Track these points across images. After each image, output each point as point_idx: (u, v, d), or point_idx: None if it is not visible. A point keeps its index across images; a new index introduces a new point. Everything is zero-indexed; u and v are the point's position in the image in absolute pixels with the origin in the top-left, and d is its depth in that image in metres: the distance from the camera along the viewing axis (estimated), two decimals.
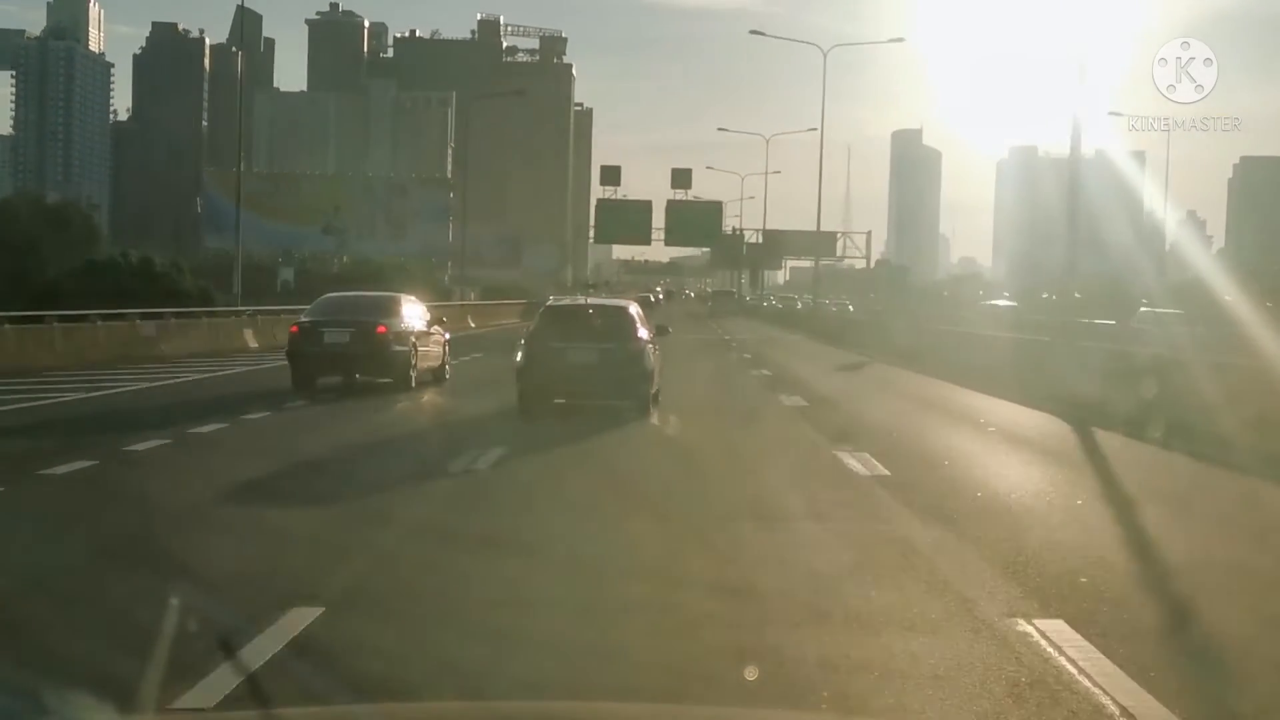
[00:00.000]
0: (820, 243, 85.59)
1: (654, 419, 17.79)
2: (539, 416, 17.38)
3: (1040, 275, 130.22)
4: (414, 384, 21.98)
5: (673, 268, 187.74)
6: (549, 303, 22.06)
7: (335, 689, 5.26)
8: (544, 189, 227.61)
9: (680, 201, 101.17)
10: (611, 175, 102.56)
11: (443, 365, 24.27)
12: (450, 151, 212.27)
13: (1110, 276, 64.45)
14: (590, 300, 21.02)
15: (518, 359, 18.51)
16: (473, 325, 57.89)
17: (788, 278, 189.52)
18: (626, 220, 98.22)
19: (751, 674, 5.79)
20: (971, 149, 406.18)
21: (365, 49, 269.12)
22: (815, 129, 62.71)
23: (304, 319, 22.45)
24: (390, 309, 22.77)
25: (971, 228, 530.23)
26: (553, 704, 4.30)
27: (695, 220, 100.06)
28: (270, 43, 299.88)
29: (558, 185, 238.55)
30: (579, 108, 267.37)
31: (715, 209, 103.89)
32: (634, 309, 19.40)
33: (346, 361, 21.82)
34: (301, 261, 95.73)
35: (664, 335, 21.01)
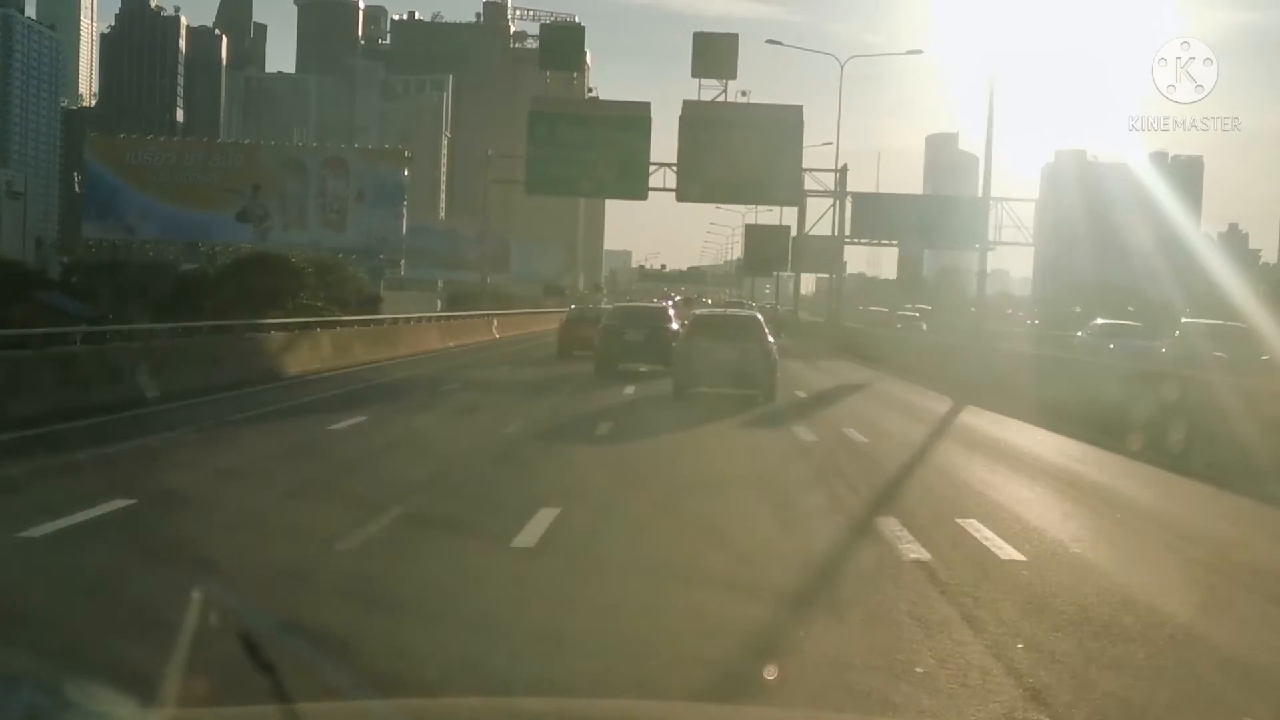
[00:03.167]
0: (970, 217, 57.26)
1: (777, 401, 22.32)
2: (691, 399, 22.08)
3: (1082, 286, 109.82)
4: None
5: (694, 275, 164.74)
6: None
7: None
8: None
9: (711, 106, 55.32)
10: (560, 52, 59.53)
11: None
12: (445, 140, 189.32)
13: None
14: (729, 311, 33.94)
15: (674, 355, 24.52)
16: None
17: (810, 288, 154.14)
18: (591, 147, 53.84)
19: (771, 673, 6.01)
20: (1013, 153, 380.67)
21: (360, 33, 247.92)
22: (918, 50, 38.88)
23: (606, 322, 30.58)
24: (667, 316, 30.52)
25: (1005, 236, 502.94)
26: (570, 701, 4.62)
27: (745, 142, 53.78)
28: (261, 29, 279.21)
29: None
30: (592, 95, 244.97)
31: (790, 119, 55.88)
32: (760, 317, 25.99)
33: (639, 353, 28.49)
34: (211, 257, 72.73)
35: (778, 338, 27.09)
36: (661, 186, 56.82)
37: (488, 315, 54.35)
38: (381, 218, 79.08)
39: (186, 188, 77.76)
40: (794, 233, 65.30)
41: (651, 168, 56.13)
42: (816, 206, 61.37)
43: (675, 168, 55.94)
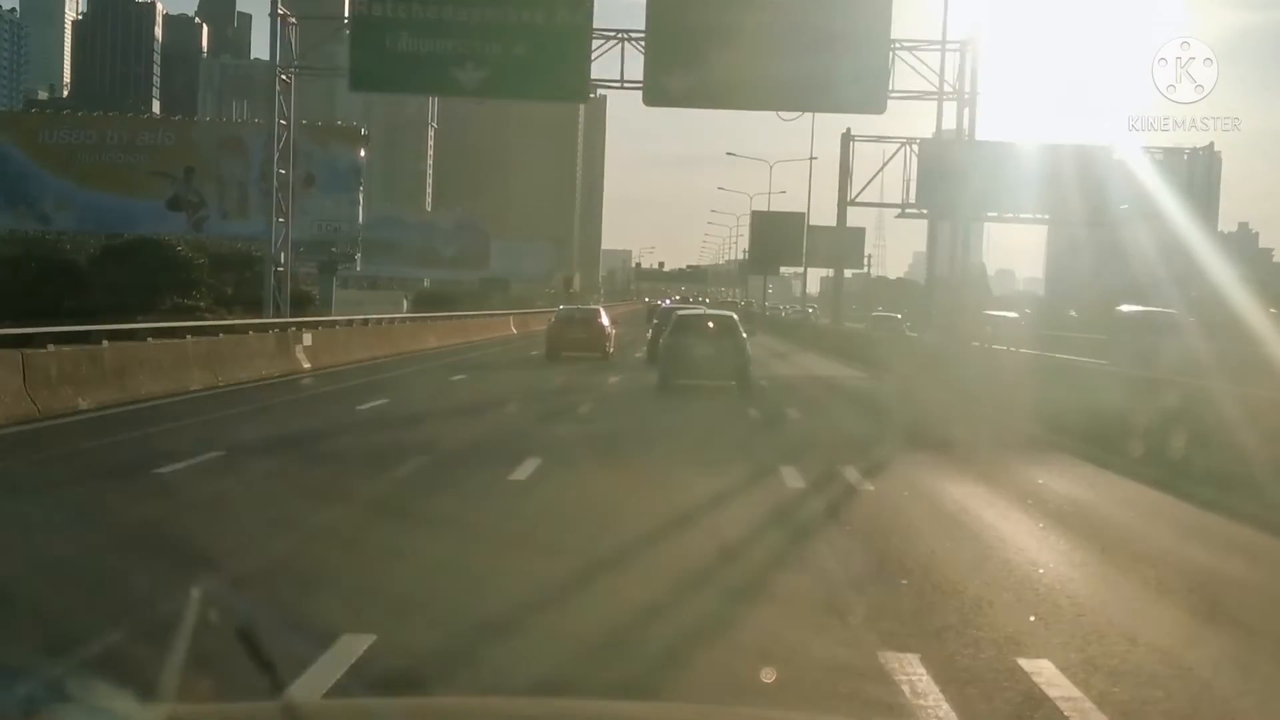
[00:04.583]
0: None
1: (751, 392, 24.48)
2: (674, 390, 24.08)
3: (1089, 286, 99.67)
4: None
5: (694, 274, 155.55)
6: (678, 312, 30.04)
7: None
8: (546, 180, 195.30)
9: None
10: None
11: None
12: (431, 132, 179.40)
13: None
14: (707, 310, 33.41)
15: (659, 352, 26.48)
16: None
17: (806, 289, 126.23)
18: (478, 2, 31.02)
19: (769, 676, 5.82)
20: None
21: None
22: None
23: (656, 320, 34.19)
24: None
25: (1007, 238, 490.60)
26: (571, 701, 4.54)
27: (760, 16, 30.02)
28: (246, 18, 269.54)
29: (564, 177, 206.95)
30: (593, 94, 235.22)
31: None
32: (735, 316, 27.25)
33: None
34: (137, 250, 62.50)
35: (752, 336, 29.40)
36: (618, 80, 32.11)
37: (289, 325, 31.23)
38: (334, 204, 68.68)
39: (109, 171, 67.51)
40: (829, 205, 48.71)
41: (598, 43, 31.44)
42: (865, 164, 45.15)
43: (642, 43, 31.30)
